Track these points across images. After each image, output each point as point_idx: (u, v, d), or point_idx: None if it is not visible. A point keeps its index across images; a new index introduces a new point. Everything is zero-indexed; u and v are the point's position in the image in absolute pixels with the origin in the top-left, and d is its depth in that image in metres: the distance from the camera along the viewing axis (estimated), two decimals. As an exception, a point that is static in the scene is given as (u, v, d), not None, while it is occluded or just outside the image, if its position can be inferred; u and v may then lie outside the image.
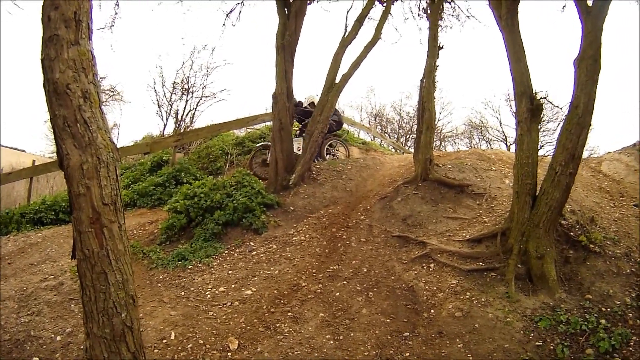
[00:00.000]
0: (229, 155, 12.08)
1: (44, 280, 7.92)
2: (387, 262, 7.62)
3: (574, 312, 6.02)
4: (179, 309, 7.05)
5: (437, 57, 9.76)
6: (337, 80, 10.86)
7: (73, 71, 3.60)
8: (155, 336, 6.42)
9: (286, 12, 10.82)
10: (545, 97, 7.15)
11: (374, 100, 39.17)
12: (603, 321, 5.86)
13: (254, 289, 7.33)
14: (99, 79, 3.88)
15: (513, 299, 6.28)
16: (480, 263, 7.09)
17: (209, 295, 7.32)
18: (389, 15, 11.50)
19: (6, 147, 25.50)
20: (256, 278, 7.62)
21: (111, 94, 25.83)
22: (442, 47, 9.82)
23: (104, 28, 11.65)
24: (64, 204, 11.66)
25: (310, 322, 6.46)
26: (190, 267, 8.15)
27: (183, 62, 18.42)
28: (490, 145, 29.60)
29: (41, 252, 9.13)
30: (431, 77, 9.67)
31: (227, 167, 11.99)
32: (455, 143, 31.86)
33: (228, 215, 9.09)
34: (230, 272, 7.90)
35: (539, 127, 7.25)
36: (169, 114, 18.78)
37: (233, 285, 7.49)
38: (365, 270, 7.51)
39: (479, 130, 31.07)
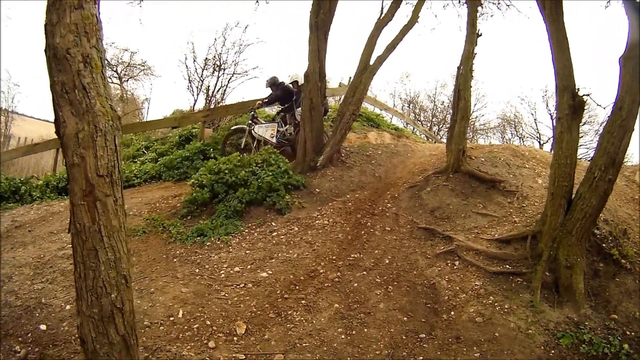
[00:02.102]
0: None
1: (61, 248, 7.70)
2: (410, 254, 7.22)
3: (597, 331, 5.58)
4: (191, 286, 6.83)
5: (475, 44, 9.21)
6: (371, 63, 10.36)
7: (74, 35, 3.26)
8: (163, 313, 6.23)
9: None
10: (588, 95, 6.54)
11: (408, 86, 38.15)
12: (626, 346, 5.41)
13: (270, 272, 7.03)
14: (104, 44, 3.49)
15: (537, 309, 5.83)
16: (507, 266, 6.63)
17: (223, 275, 7.05)
18: (427, -2, 10.79)
19: (39, 119, 25.74)
20: (273, 260, 7.31)
21: (142, 68, 26.01)
22: (480, 35, 9.25)
23: (132, 2, 11.95)
24: None
25: (324, 313, 6.14)
26: (208, 243, 7.87)
27: (215, 39, 18.30)
28: (523, 141, 28.78)
29: (62, 221, 8.85)
30: (468, 64, 9.14)
31: (254, 144, 11.59)
32: (487, 136, 31.13)
33: (252, 194, 8.76)
34: (247, 252, 7.60)
35: (578, 126, 6.66)
36: (200, 89, 18.68)
37: (249, 266, 7.20)
38: (387, 261, 7.12)
39: (513, 126, 30.23)
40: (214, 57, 18.21)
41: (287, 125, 12.27)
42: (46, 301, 6.30)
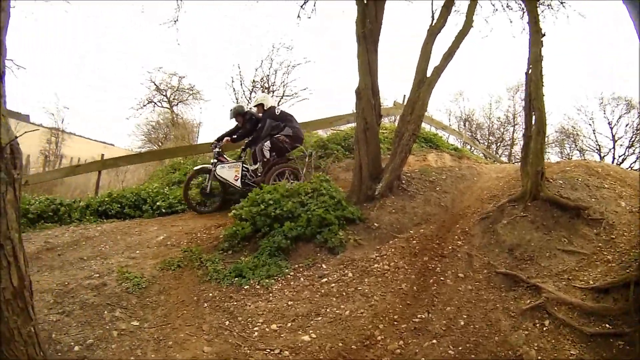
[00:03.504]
0: (308, 158, 10.34)
1: (88, 277, 6.77)
2: (490, 312, 5.67)
3: None
4: (216, 344, 5.66)
5: (542, 45, 7.59)
6: (429, 74, 8.85)
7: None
8: (175, 377, 4.91)
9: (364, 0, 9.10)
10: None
11: (462, 104, 36.64)
12: None
13: (314, 335, 5.62)
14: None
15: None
16: (607, 325, 5.07)
17: (256, 333, 5.77)
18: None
19: (97, 140, 26.18)
20: (320, 318, 5.89)
21: (190, 92, 26.72)
22: (544, 35, 7.63)
23: (166, 23, 11.57)
24: (131, 198, 10.98)
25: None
26: (246, 287, 6.66)
27: (262, 61, 17.94)
28: (583, 155, 26.84)
29: (95, 246, 8.03)
30: (538, 68, 7.48)
31: (304, 170, 10.23)
32: (546, 152, 28.89)
33: (300, 229, 7.42)
34: (290, 302, 6.26)
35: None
36: None
37: (289, 324, 5.83)
38: (462, 323, 5.59)
39: (572, 139, 28.28)
40: (262, 79, 17.90)
41: (257, 164, 10.46)
42: (56, 337, 5.50)
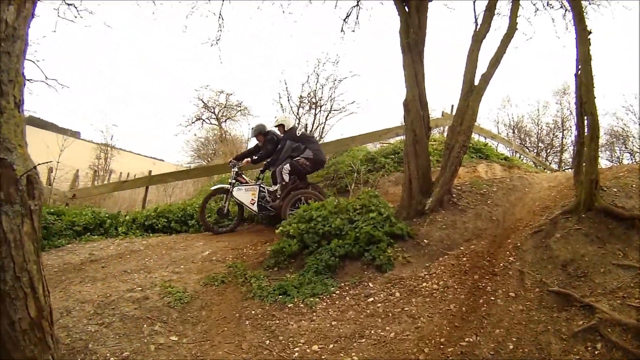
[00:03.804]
0: (357, 173, 10.04)
1: (130, 290, 6.80)
2: (541, 334, 5.19)
3: None
4: None
5: (590, 44, 6.95)
6: (476, 82, 8.40)
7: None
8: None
9: (406, 9, 8.80)
10: None
11: (510, 111, 35.48)
12: None
13: (356, 358, 5.27)
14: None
15: None
16: (663, 349, 4.59)
17: (296, 354, 5.48)
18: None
19: (146, 156, 26.74)
20: (364, 340, 5.54)
21: (238, 109, 27.44)
22: (590, 32, 6.98)
23: (208, 42, 11.84)
24: (178, 213, 11.12)
25: None
26: (290, 305, 6.42)
27: (308, 76, 17.74)
28: (634, 158, 25.38)
29: (139, 260, 8.06)
30: (588, 68, 6.83)
31: (352, 186, 9.99)
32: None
33: (347, 246, 7.15)
34: (334, 322, 5.96)
35: None
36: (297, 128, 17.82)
37: (331, 345, 5.51)
38: (511, 346, 5.14)
39: (621, 141, 26.69)
40: (309, 94, 17.71)
41: (276, 186, 10.07)
42: (93, 347, 5.49)
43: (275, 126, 10.44)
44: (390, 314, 5.97)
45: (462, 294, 6.19)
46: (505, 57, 8.23)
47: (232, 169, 10.36)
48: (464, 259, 7.01)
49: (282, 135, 10.18)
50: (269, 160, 10.26)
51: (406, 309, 6.01)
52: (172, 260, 7.83)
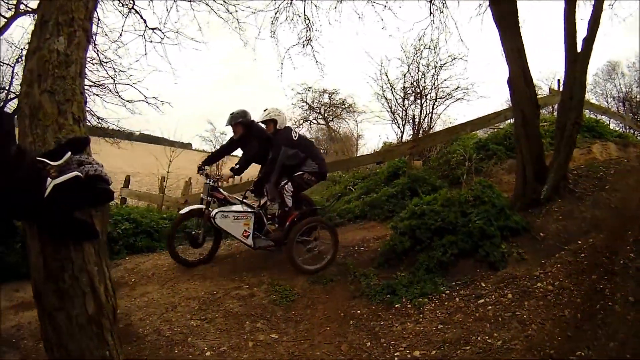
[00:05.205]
0: (468, 162, 9.32)
1: (237, 288, 6.78)
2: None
3: None
4: None
5: None
6: (579, 49, 7.25)
7: (26, 85, 2.60)
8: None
9: None
10: None
11: (618, 81, 31.40)
12: None
13: (455, 368, 4.78)
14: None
15: None
16: None
17: (396, 359, 5.03)
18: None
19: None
20: (468, 347, 4.92)
21: (343, 107, 26.95)
22: None
23: (298, 44, 11.38)
24: None
25: None
26: (397, 305, 5.97)
27: (408, 65, 16.80)
28: None
29: (249, 259, 7.84)
30: None
31: (464, 176, 9.27)
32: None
33: (460, 242, 6.51)
34: (440, 326, 5.40)
35: None
36: (405, 120, 17.39)
37: (434, 352, 4.96)
38: (625, 364, 4.33)
39: None
40: (412, 84, 16.89)
41: (269, 202, 7.74)
42: (192, 340, 5.57)
43: (263, 122, 7.72)
44: (500, 319, 5.28)
45: (579, 297, 5.31)
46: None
47: (206, 182, 7.67)
48: (582, 255, 6.04)
49: (273, 135, 7.68)
50: (262, 172, 7.74)
51: (517, 313, 5.29)
52: (282, 260, 7.49)
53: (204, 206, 7.47)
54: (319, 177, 7.72)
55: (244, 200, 7.68)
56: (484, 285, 5.97)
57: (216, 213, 7.27)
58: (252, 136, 7.79)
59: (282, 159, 7.42)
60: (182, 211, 7.76)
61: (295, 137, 7.57)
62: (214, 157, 8.49)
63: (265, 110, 7.66)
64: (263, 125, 7.73)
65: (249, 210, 7.47)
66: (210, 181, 7.55)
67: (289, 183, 7.40)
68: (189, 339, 5.54)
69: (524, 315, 5.19)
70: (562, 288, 5.49)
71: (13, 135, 2.26)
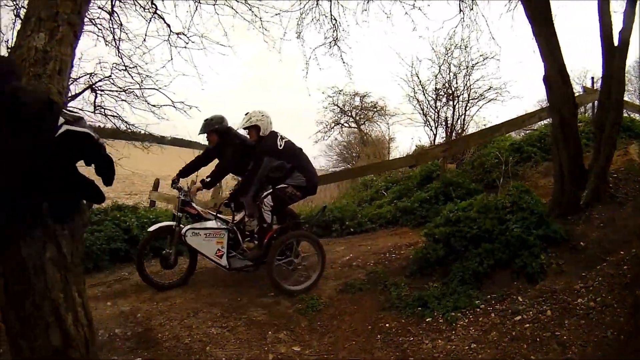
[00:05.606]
0: (504, 165, 8.93)
1: (261, 295, 6.58)
2: None
3: None
4: None
5: None
6: (615, 43, 6.68)
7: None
8: None
9: None
10: None
11: None
12: None
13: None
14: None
15: None
16: None
17: None
18: None
19: None
20: None
21: (374, 110, 26.35)
22: None
23: (325, 44, 11.05)
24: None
25: None
26: (428, 319, 5.58)
27: (439, 66, 16.60)
28: None
29: None
30: None
31: (501, 180, 8.95)
32: None
33: (497, 252, 6.08)
34: (473, 345, 5.00)
35: None
36: (437, 122, 17.15)
37: None
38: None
39: None
40: (443, 85, 16.68)
41: (252, 220, 7.11)
42: (210, 350, 5.33)
43: (245, 128, 6.95)
44: (537, 339, 4.86)
45: (622, 315, 4.79)
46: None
47: (178, 196, 7.04)
48: (625, 267, 5.54)
49: (255, 143, 6.97)
50: (239, 184, 7.40)
51: (557, 333, 4.85)
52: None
53: (174, 223, 6.86)
54: (306, 192, 6.97)
55: (217, 215, 6.99)
56: (521, 299, 5.54)
57: (187, 230, 6.71)
58: (228, 144, 7.11)
59: (265, 171, 6.83)
60: (151, 229, 7.05)
61: (281, 145, 6.79)
62: (189, 169, 7.55)
63: (246, 115, 6.89)
64: (244, 132, 7.09)
65: (222, 226, 6.83)
66: (181, 195, 6.95)
67: (269, 197, 6.67)
68: (207, 348, 5.34)
69: (564, 336, 4.78)
70: (605, 305, 5.05)
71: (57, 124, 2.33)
